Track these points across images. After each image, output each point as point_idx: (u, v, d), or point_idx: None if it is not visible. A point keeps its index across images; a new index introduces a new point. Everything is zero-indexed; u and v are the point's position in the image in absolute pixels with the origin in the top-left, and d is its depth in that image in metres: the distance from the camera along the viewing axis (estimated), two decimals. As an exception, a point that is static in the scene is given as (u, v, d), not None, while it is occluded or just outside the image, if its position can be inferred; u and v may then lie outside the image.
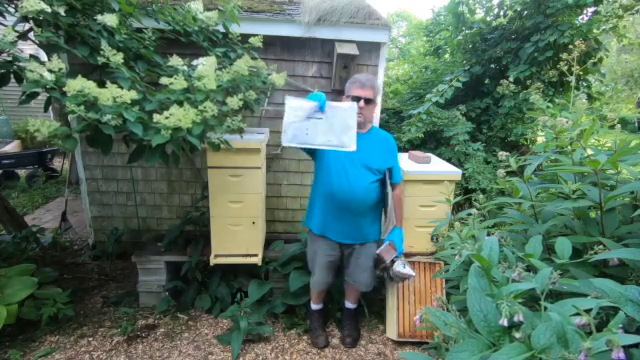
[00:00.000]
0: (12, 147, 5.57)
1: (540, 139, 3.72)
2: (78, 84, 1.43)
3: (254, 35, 2.32)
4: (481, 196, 1.72)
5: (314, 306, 2.48)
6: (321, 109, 1.77)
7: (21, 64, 1.60)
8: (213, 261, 2.49)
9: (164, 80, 1.73)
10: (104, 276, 3.10)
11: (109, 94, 1.46)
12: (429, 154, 2.70)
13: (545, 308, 0.98)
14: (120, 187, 3.19)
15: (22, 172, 5.72)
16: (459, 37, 4.76)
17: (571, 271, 1.24)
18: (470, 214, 1.62)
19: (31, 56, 1.64)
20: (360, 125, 1.98)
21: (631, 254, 1.00)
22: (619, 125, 1.41)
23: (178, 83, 1.70)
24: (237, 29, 2.44)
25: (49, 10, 1.53)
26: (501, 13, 4.41)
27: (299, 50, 3.00)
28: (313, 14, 2.80)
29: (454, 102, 4.35)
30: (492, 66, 4.32)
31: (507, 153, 1.49)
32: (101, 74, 1.84)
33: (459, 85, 3.89)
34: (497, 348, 0.95)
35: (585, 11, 3.80)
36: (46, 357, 2.22)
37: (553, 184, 1.61)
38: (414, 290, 2.46)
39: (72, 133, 1.56)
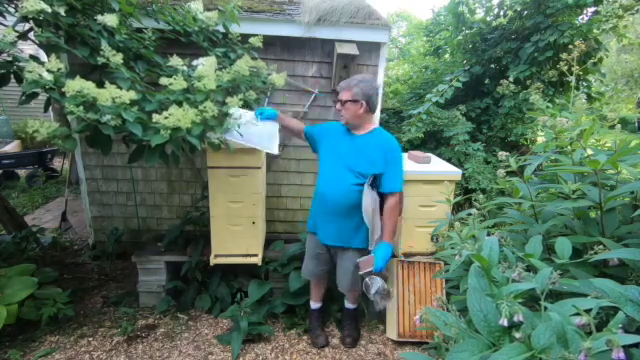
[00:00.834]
0: (12, 147, 5.58)
1: (540, 139, 3.72)
2: (77, 84, 1.43)
3: (254, 35, 2.32)
4: (481, 196, 1.72)
5: (313, 305, 2.48)
6: (258, 118, 2.19)
7: (21, 64, 1.59)
8: (213, 261, 2.49)
9: (164, 80, 1.73)
10: (104, 276, 3.10)
11: (108, 94, 1.46)
12: (429, 154, 2.70)
13: (545, 308, 0.98)
14: (120, 187, 3.19)
15: (22, 172, 5.72)
16: (459, 37, 4.76)
17: (571, 271, 1.24)
18: (470, 214, 1.61)
19: (31, 56, 1.64)
20: (350, 125, 2.06)
21: (631, 254, 1.00)
22: (619, 125, 1.41)
23: (178, 83, 1.70)
24: (237, 29, 2.44)
25: (49, 10, 1.53)
26: (501, 13, 4.41)
27: (299, 50, 3.00)
28: (313, 14, 2.80)
29: (454, 102, 4.35)
30: (492, 66, 4.32)
31: (507, 153, 1.49)
32: (101, 74, 1.83)
33: (459, 85, 3.89)
34: (497, 348, 0.95)
35: (585, 11, 3.80)
36: (46, 357, 2.22)
37: (553, 184, 1.61)
38: (414, 290, 2.46)
39: (72, 133, 1.56)
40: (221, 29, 2.45)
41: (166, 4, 2.33)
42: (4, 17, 1.82)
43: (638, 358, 0.84)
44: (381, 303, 1.98)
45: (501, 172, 1.56)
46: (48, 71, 1.48)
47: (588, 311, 0.82)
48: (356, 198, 2.00)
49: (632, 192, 1.44)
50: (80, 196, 3.62)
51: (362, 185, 1.99)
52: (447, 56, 5.77)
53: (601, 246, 1.14)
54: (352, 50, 2.80)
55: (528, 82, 3.68)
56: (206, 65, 1.87)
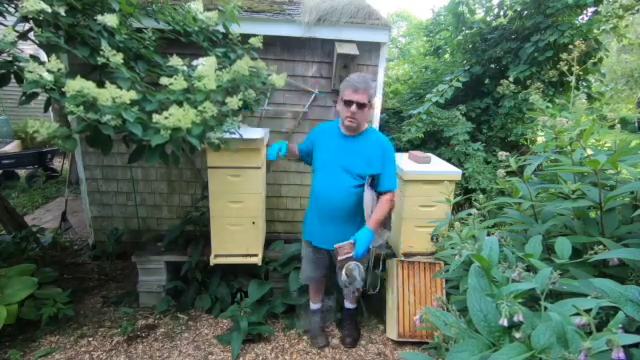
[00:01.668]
0: (12, 147, 5.57)
1: (540, 139, 3.72)
2: (77, 84, 1.43)
3: (254, 35, 2.32)
4: (481, 196, 1.72)
5: (313, 306, 2.48)
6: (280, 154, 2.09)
7: (21, 64, 1.59)
8: (213, 261, 2.49)
9: (164, 80, 1.73)
10: (104, 276, 3.10)
11: (108, 94, 1.46)
12: (429, 154, 2.70)
13: (545, 308, 0.98)
14: (120, 187, 3.19)
15: (22, 172, 5.72)
16: (459, 37, 4.76)
17: (571, 271, 1.24)
18: (470, 214, 1.61)
19: (31, 56, 1.64)
20: (351, 128, 1.97)
21: (631, 254, 1.00)
22: (619, 125, 1.41)
23: (178, 83, 1.70)
24: (237, 29, 2.43)
25: (49, 10, 1.53)
26: (501, 13, 4.41)
27: (299, 50, 3.00)
28: (313, 14, 2.80)
29: (454, 102, 4.35)
30: (492, 66, 4.31)
31: (507, 153, 1.49)
32: (101, 74, 1.83)
33: (459, 85, 3.89)
34: (497, 348, 0.95)
35: (585, 11, 3.80)
36: (46, 357, 2.22)
37: (553, 184, 1.61)
38: (414, 290, 2.46)
39: (72, 133, 1.56)
40: (221, 29, 2.45)
41: (166, 4, 2.33)
42: (4, 17, 1.82)
43: (638, 358, 0.84)
44: (351, 288, 1.97)
45: (501, 172, 1.56)
46: (48, 71, 1.48)
47: (588, 311, 0.82)
48: (355, 200, 2.00)
49: (632, 192, 1.44)
50: (80, 196, 3.62)
51: (361, 187, 1.98)
52: (447, 56, 5.77)
53: (601, 246, 1.14)
54: (352, 50, 2.80)
55: (528, 82, 3.69)
56: (206, 65, 1.87)
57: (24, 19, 1.62)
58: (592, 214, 1.47)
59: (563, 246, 1.24)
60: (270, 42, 2.83)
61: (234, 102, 1.82)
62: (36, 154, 5.47)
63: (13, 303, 2.21)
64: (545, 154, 1.68)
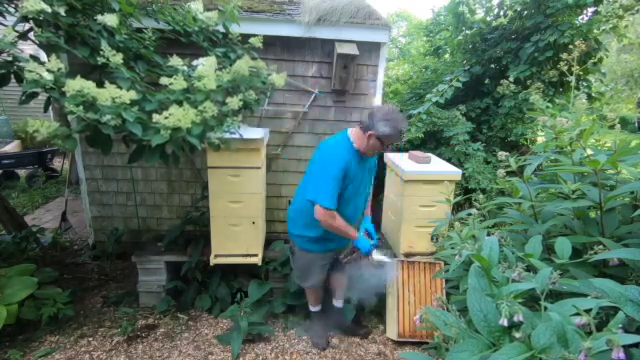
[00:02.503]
0: (12, 147, 5.57)
1: (540, 139, 3.71)
2: (77, 84, 1.43)
3: (254, 35, 2.32)
4: (481, 196, 1.72)
5: (314, 308, 2.47)
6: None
7: (21, 64, 1.59)
8: (213, 261, 2.49)
9: (164, 80, 1.73)
10: (104, 276, 3.10)
11: (108, 94, 1.46)
12: (429, 154, 2.70)
13: (545, 308, 0.98)
14: (120, 187, 3.19)
15: (22, 172, 5.72)
16: (459, 37, 4.75)
17: (571, 271, 1.24)
18: (470, 214, 1.61)
19: (31, 56, 1.64)
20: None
21: (631, 254, 1.00)
22: (619, 125, 1.41)
23: (178, 83, 1.70)
24: (237, 29, 2.43)
25: (49, 10, 1.53)
26: (501, 13, 4.40)
27: (299, 50, 3.00)
28: (313, 14, 2.80)
29: (454, 102, 4.34)
30: (492, 66, 4.31)
31: (507, 153, 1.49)
32: (101, 74, 1.83)
33: (459, 85, 3.88)
34: (497, 348, 0.95)
35: (585, 11, 3.80)
36: (46, 357, 2.22)
37: (553, 184, 1.61)
38: (414, 290, 2.46)
39: (72, 133, 1.56)
40: (221, 29, 2.45)
41: (166, 4, 2.33)
42: (4, 17, 1.82)
43: (638, 358, 0.84)
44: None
45: (501, 172, 1.56)
46: (48, 71, 1.48)
47: (588, 311, 0.82)
48: None
49: (632, 192, 1.44)
50: (80, 196, 3.62)
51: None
52: (447, 56, 5.76)
53: (601, 246, 1.14)
54: (352, 50, 2.80)
55: (528, 82, 3.68)
56: (206, 65, 1.87)
57: (24, 19, 1.62)
58: (592, 214, 1.47)
59: (563, 246, 1.24)
60: (270, 42, 2.83)
61: (234, 102, 1.82)
62: (36, 154, 5.47)
63: (13, 303, 2.21)
64: (545, 154, 1.68)
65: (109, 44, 1.80)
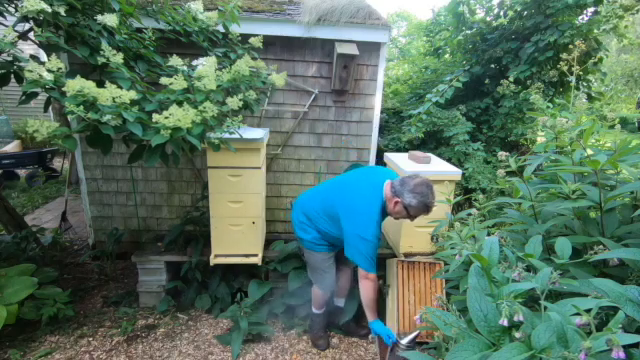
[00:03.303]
0: (12, 147, 5.57)
1: (540, 139, 3.71)
2: (77, 84, 1.43)
3: (254, 35, 2.32)
4: (481, 196, 1.72)
5: (317, 311, 2.44)
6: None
7: (21, 64, 1.60)
8: (213, 261, 2.49)
9: (164, 80, 1.73)
10: (104, 276, 3.10)
11: (108, 94, 1.46)
12: (429, 154, 2.70)
13: (545, 308, 0.98)
14: (120, 187, 3.19)
15: (22, 172, 5.72)
16: (459, 37, 4.75)
17: (571, 271, 1.24)
18: (470, 214, 1.61)
19: (31, 56, 1.64)
20: None
21: (631, 254, 1.00)
22: (619, 125, 1.41)
23: (178, 83, 1.71)
24: (237, 29, 2.44)
25: (49, 10, 1.53)
26: (501, 13, 4.40)
27: (299, 50, 3.00)
28: (313, 14, 2.80)
29: (454, 102, 4.35)
30: (492, 66, 4.31)
31: (507, 153, 1.48)
32: (101, 74, 1.84)
33: (459, 85, 3.89)
34: (497, 348, 0.95)
35: (585, 11, 3.80)
36: (46, 357, 2.22)
37: (553, 184, 1.61)
38: (414, 290, 2.46)
39: (72, 133, 1.56)
40: (221, 29, 2.45)
41: (166, 4, 2.33)
42: (4, 17, 1.82)
43: (638, 358, 0.84)
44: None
45: (501, 172, 1.56)
46: (48, 71, 1.48)
47: (588, 311, 0.82)
48: None
49: (632, 192, 1.44)
50: (80, 196, 3.62)
51: None
52: (447, 56, 5.76)
53: (601, 246, 1.14)
54: (352, 50, 2.80)
55: (528, 82, 3.68)
56: (206, 65, 1.87)
57: (24, 19, 1.62)
58: (592, 214, 1.47)
59: (563, 246, 1.24)
60: (270, 42, 2.83)
61: (234, 102, 1.82)
62: (36, 154, 5.47)
63: (13, 303, 2.21)
64: (545, 154, 1.68)
65: (109, 44, 1.80)
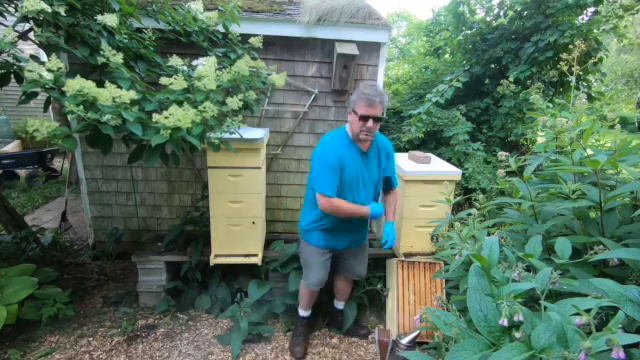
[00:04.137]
0: (12, 147, 5.57)
1: (540, 139, 3.71)
2: (77, 84, 1.43)
3: (254, 35, 2.32)
4: (481, 196, 1.72)
5: (304, 313, 2.39)
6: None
7: (21, 64, 1.60)
8: (213, 261, 2.49)
9: (164, 80, 1.73)
10: (104, 276, 3.10)
11: (108, 94, 1.46)
12: (429, 154, 2.70)
13: (545, 308, 0.98)
14: (120, 187, 3.19)
15: (22, 172, 5.72)
16: (459, 37, 4.75)
17: (571, 271, 1.24)
18: (470, 214, 1.61)
19: (31, 56, 1.64)
20: (367, 142, 1.95)
21: (631, 254, 1.00)
22: (619, 125, 1.41)
23: (178, 83, 1.71)
24: (237, 29, 2.44)
25: (49, 10, 1.53)
26: (501, 13, 4.40)
27: (299, 50, 3.00)
28: (313, 14, 2.80)
29: (454, 102, 4.35)
30: (492, 66, 4.31)
31: (507, 153, 1.49)
32: (101, 74, 1.84)
33: (459, 85, 3.89)
34: (497, 348, 0.95)
35: (585, 11, 3.80)
36: (46, 357, 2.22)
37: (553, 184, 1.61)
38: (414, 290, 2.46)
39: (72, 133, 1.56)
40: (221, 29, 2.45)
41: (166, 4, 2.33)
42: (4, 17, 1.82)
43: (638, 358, 0.84)
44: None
45: (501, 172, 1.56)
46: (48, 71, 1.48)
47: (588, 311, 0.82)
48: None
49: (632, 192, 1.44)
50: (80, 196, 3.62)
51: (378, 194, 2.12)
52: (447, 56, 5.76)
53: (601, 246, 1.14)
54: (352, 50, 2.80)
55: (528, 82, 3.68)
56: (206, 65, 1.87)
57: (24, 19, 1.62)
58: (592, 214, 1.47)
59: (563, 246, 1.24)
60: (270, 42, 2.83)
61: (234, 102, 1.82)
62: (36, 154, 5.47)
63: (13, 303, 2.21)
64: (545, 154, 1.68)
65: (109, 44, 1.80)
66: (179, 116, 1.53)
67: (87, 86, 1.43)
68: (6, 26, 1.64)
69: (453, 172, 2.48)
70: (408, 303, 2.44)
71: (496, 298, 1.07)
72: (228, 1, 2.43)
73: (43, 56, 2.23)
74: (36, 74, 1.44)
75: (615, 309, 0.87)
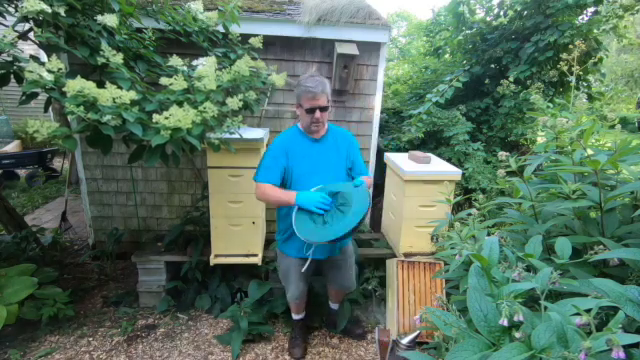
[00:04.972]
0: (12, 147, 5.57)
1: (540, 139, 3.71)
2: (77, 84, 1.43)
3: (254, 35, 2.32)
4: (481, 196, 1.72)
5: (296, 316, 2.39)
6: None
7: (21, 64, 1.60)
8: (213, 261, 2.49)
9: (164, 80, 1.73)
10: (104, 276, 3.10)
11: (108, 94, 1.46)
12: (429, 154, 2.70)
13: (545, 308, 0.98)
14: (120, 187, 3.19)
15: (22, 172, 5.72)
16: (459, 37, 4.75)
17: (571, 271, 1.24)
18: (470, 214, 1.61)
19: (31, 56, 1.64)
20: (318, 132, 1.96)
21: (631, 254, 1.00)
22: (619, 125, 1.41)
23: (178, 83, 1.71)
24: (237, 29, 2.44)
25: (49, 10, 1.53)
26: (501, 13, 4.40)
27: (299, 50, 3.00)
28: (313, 14, 2.80)
29: (454, 102, 4.35)
30: (492, 66, 4.31)
31: (507, 153, 1.48)
32: (101, 74, 1.84)
33: (459, 85, 3.89)
34: (497, 348, 0.95)
35: (585, 11, 3.80)
36: (46, 357, 2.22)
37: (553, 184, 1.61)
38: (414, 290, 2.46)
39: (72, 133, 1.56)
40: (221, 29, 2.45)
41: (166, 4, 2.33)
42: (4, 17, 1.82)
43: (638, 358, 0.84)
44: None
45: (501, 172, 1.56)
46: (48, 71, 1.48)
47: (588, 311, 0.82)
48: None
49: (632, 192, 1.44)
50: (80, 196, 3.62)
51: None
52: (447, 56, 5.76)
53: (601, 246, 1.14)
54: (352, 50, 2.80)
55: (528, 82, 3.68)
56: (206, 65, 1.87)
57: (24, 19, 1.62)
58: (592, 214, 1.47)
59: (563, 246, 1.24)
60: (270, 42, 2.83)
61: (234, 102, 1.82)
62: (36, 154, 5.47)
63: (13, 303, 2.21)
64: (545, 154, 1.68)
65: (109, 44, 1.81)
66: (179, 116, 1.53)
67: (87, 87, 1.44)
68: (6, 26, 1.64)
69: (453, 172, 2.48)
70: (408, 303, 2.44)
71: (496, 298, 1.07)
72: (228, 1, 2.43)
73: (43, 56, 2.23)
74: (36, 75, 1.44)
75: (615, 309, 0.87)
